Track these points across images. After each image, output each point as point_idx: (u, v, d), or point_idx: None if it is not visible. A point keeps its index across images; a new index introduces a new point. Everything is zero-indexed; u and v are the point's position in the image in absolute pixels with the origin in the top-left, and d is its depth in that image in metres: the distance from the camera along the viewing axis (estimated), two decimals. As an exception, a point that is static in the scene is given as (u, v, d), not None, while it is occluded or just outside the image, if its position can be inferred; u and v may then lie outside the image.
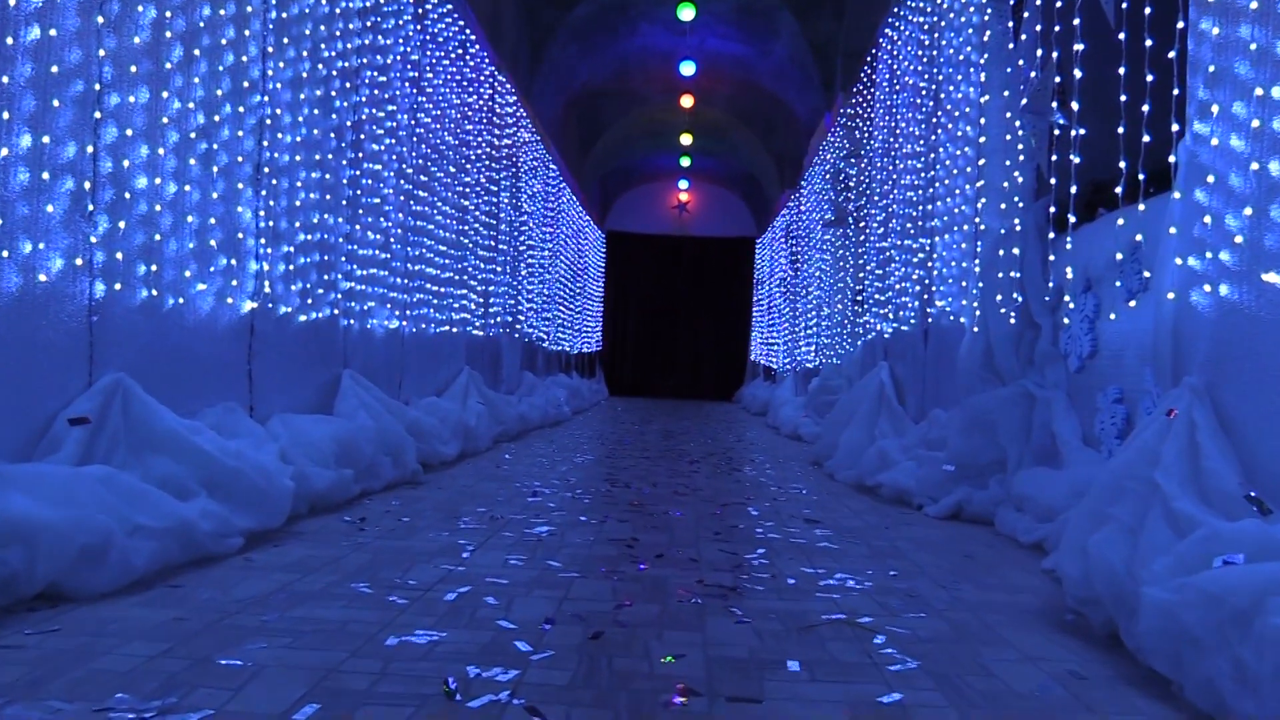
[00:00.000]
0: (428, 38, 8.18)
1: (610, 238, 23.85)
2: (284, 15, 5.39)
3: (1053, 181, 4.77)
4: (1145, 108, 3.75)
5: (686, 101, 16.12)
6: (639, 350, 24.58)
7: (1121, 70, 3.98)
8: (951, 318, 6.52)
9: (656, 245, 24.08)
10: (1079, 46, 4.38)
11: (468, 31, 9.49)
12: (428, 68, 8.20)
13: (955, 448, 5.92)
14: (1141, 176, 3.79)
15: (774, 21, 12.99)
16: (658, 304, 24.40)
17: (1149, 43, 3.77)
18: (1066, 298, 5.51)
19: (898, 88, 8.40)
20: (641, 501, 5.79)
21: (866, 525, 5.33)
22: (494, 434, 9.15)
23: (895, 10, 8.54)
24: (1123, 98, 3.98)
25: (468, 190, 9.69)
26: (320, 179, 5.95)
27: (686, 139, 18.47)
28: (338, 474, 5.01)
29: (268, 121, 5.24)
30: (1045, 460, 5.51)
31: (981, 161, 5.83)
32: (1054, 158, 4.72)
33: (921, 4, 7.64)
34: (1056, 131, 4.70)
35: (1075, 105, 4.36)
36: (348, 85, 6.36)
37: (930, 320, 7.02)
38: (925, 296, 7.20)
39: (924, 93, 7.44)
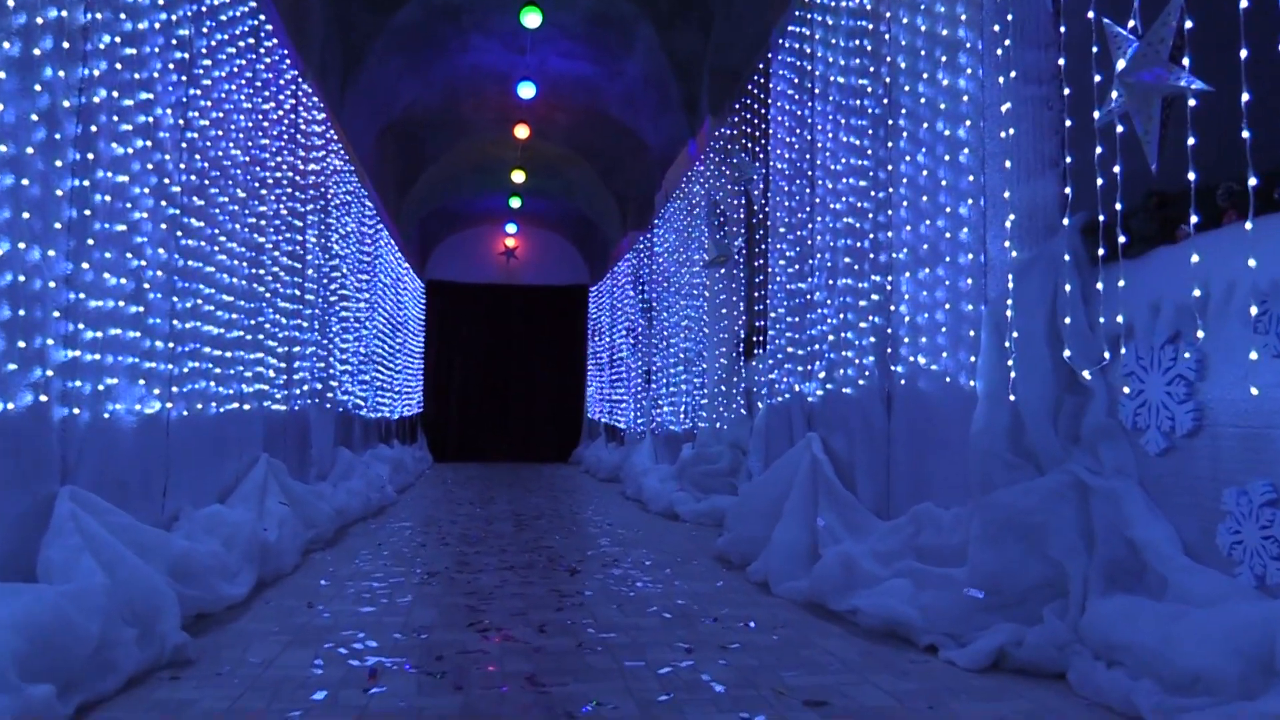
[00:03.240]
0: (204, 10, 5.98)
1: (430, 287, 21.54)
2: (-71, -97, 3.20)
3: (1192, 177, 3.14)
4: None
5: (522, 132, 14.24)
6: (465, 410, 22.26)
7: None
8: (947, 379, 4.85)
9: (482, 295, 22.00)
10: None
11: (262, 17, 7.30)
12: (204, 51, 5.99)
13: (982, 564, 4.22)
14: None
15: (630, 34, 11.30)
16: (484, 359, 22.27)
17: None
18: (1125, 349, 3.95)
19: (815, 93, 6.80)
20: (541, 679, 3.78)
21: (894, 703, 3.52)
22: (303, 543, 6.88)
23: (806, 1, 6.97)
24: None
25: (263, 224, 7.44)
26: (14, 187, 3.72)
27: (519, 176, 16.55)
28: (20, 699, 2.78)
29: (-107, 76, 3.03)
30: (1123, 582, 3.87)
31: (1008, 164, 4.20)
32: (1192, 141, 3.10)
33: (854, -16, 6.08)
34: (1192, 101, 3.08)
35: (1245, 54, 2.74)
36: (66, 47, 4.15)
37: (901, 381, 5.35)
38: (888, 350, 5.54)
39: (868, 93, 5.84)
